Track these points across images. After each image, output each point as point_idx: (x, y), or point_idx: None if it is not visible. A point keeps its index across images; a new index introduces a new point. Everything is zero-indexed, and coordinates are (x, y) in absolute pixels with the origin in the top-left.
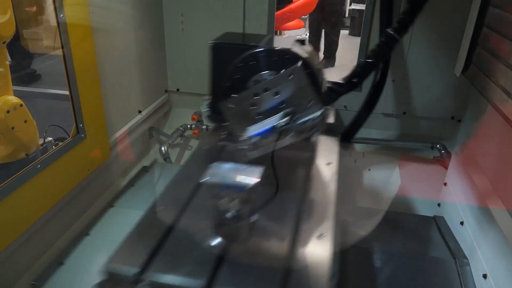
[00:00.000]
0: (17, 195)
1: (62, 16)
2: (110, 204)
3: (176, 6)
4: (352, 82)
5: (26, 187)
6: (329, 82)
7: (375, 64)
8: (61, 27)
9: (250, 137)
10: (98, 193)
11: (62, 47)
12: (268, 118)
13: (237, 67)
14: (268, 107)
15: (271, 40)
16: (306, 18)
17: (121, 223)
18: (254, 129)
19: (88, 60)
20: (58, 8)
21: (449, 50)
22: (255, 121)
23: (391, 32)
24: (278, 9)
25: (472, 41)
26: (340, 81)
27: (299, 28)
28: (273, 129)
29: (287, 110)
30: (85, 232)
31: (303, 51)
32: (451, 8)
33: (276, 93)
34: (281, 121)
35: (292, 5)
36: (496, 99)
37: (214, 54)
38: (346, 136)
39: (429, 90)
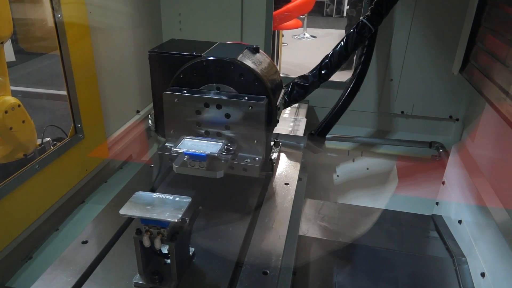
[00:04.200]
0: (15, 195)
1: (60, 16)
2: (81, 200)
3: (174, 6)
4: (321, 74)
5: (24, 187)
6: (298, 77)
7: (347, 55)
8: (59, 27)
9: (182, 153)
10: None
11: (60, 47)
12: (208, 137)
13: (179, 78)
14: (213, 124)
15: (218, 48)
16: (304, 17)
17: (90, 218)
18: (189, 145)
19: (86, 60)
20: (55, 8)
21: (447, 49)
22: (195, 134)
23: (365, 21)
24: (275, 8)
25: (470, 40)
26: (308, 75)
27: (297, 28)
28: (207, 157)
29: (229, 143)
30: (55, 227)
31: (254, 60)
32: (449, 7)
33: (227, 115)
34: (218, 151)
35: (289, 5)
36: (494, 98)
37: (153, 65)
38: (321, 132)
39: (427, 89)
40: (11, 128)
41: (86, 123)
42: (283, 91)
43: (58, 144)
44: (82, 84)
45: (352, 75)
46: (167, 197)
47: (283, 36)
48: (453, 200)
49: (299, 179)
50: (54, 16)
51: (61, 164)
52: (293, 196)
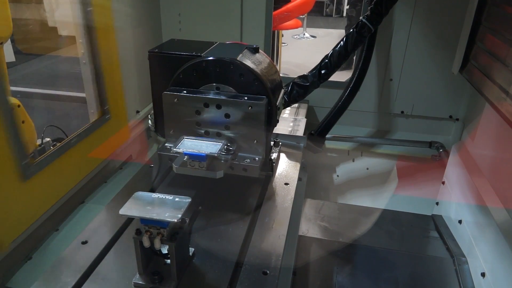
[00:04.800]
0: (49, 168)
1: (89, 9)
2: (81, 200)
3: (174, 6)
4: (321, 74)
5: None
6: (297, 77)
7: (347, 55)
8: (88, 19)
9: (181, 154)
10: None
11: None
12: (207, 137)
13: (179, 78)
14: (212, 124)
15: (218, 48)
16: (303, 17)
17: (90, 218)
18: (189, 146)
19: (109, 53)
20: (86, 3)
21: (447, 49)
22: (195, 134)
23: (364, 21)
24: (275, 8)
25: (470, 40)
26: (308, 74)
27: (297, 28)
28: (206, 157)
29: (229, 143)
30: (55, 227)
31: (254, 60)
32: (449, 7)
33: (226, 115)
34: (218, 151)
35: (289, 5)
36: (494, 98)
37: (153, 65)
38: (321, 131)
39: (427, 89)
40: None
41: (111, 105)
42: (282, 91)
43: (88, 124)
44: (108, 70)
45: (352, 75)
46: (167, 197)
47: (282, 36)
48: (453, 200)
49: (299, 179)
50: (84, 9)
51: (91, 141)
52: (293, 196)
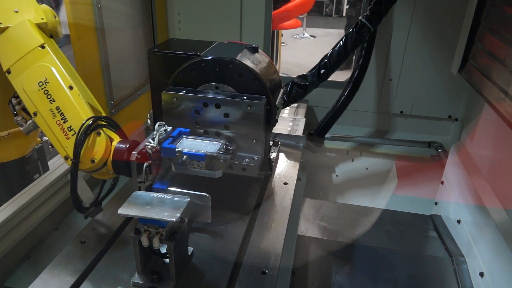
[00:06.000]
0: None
1: (100, 6)
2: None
3: (173, 6)
4: (320, 74)
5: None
6: (297, 77)
7: (346, 55)
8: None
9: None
10: None
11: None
12: (207, 137)
13: (178, 77)
14: (212, 124)
15: (218, 48)
16: (303, 17)
17: (89, 218)
18: (188, 145)
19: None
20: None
21: (446, 49)
22: (194, 133)
23: (364, 21)
24: (275, 8)
25: (469, 40)
26: (307, 74)
27: (296, 28)
28: (205, 156)
29: (228, 143)
30: (54, 226)
31: (253, 60)
32: (448, 7)
33: (226, 114)
34: (217, 150)
35: (289, 5)
36: (493, 98)
37: (152, 64)
38: (321, 131)
39: (426, 89)
40: None
41: None
42: (282, 90)
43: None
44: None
45: (351, 74)
46: (166, 196)
47: (282, 35)
48: (452, 200)
49: (298, 178)
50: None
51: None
52: (292, 196)
